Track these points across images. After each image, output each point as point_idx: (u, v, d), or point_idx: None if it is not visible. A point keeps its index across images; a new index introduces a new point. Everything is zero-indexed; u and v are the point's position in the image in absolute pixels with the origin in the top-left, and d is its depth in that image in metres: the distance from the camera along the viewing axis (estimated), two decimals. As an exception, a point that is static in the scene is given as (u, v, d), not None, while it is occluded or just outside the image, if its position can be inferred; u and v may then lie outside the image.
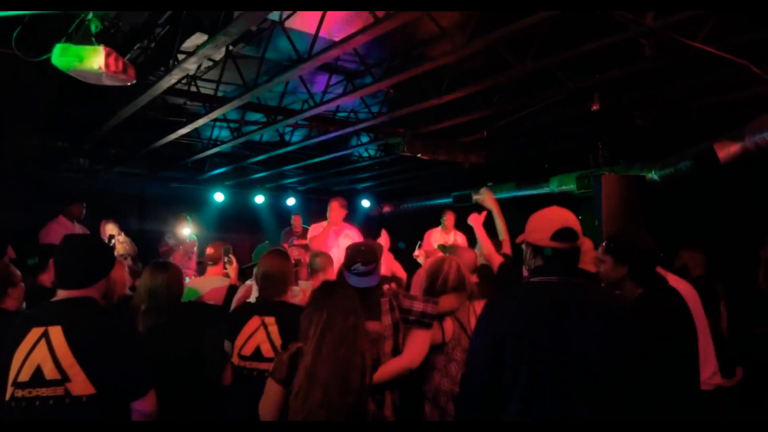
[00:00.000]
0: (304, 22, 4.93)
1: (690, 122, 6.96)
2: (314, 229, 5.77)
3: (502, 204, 4.19)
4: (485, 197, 4.10)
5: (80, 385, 1.93)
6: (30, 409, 1.91)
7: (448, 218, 7.24)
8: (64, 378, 1.93)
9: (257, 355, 2.66)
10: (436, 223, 7.46)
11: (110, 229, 6.90)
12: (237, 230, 10.94)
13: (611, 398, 1.79)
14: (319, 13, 4.65)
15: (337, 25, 4.89)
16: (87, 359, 1.95)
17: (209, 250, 4.78)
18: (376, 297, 2.87)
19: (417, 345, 2.82)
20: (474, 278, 3.78)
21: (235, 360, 2.72)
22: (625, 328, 1.87)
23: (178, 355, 2.73)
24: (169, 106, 7.35)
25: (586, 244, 4.14)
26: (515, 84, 5.80)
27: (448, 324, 3.00)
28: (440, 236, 7.21)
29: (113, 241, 7.03)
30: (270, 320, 2.71)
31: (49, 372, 1.92)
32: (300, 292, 3.64)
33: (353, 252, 2.92)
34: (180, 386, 2.63)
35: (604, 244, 2.64)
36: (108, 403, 1.97)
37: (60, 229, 6.26)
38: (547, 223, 1.98)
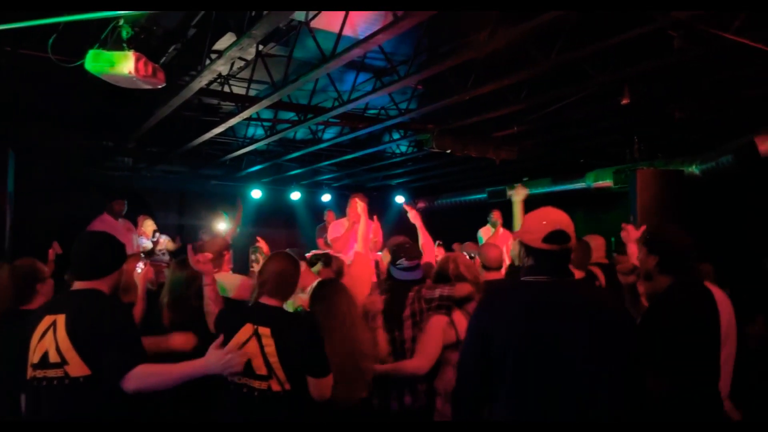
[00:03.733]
0: (329, 22, 5.00)
1: (731, 115, 6.71)
2: (335, 228, 5.82)
3: (538, 199, 4.41)
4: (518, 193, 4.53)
5: (77, 367, 2.14)
6: (41, 387, 2.16)
7: (497, 217, 7.18)
8: (63, 361, 2.14)
9: (248, 370, 2.33)
10: (471, 219, 7.45)
11: (149, 225, 7.18)
12: (274, 226, 11.18)
13: (597, 398, 1.78)
14: (343, 12, 4.71)
15: (362, 24, 4.95)
16: (81, 344, 2.15)
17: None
18: (407, 291, 3.15)
19: (426, 352, 2.98)
20: (502, 274, 3.88)
21: None
22: (615, 328, 1.86)
23: (198, 350, 2.82)
24: (204, 106, 7.58)
25: (597, 240, 4.13)
26: (545, 78, 5.73)
27: (462, 323, 3.03)
28: (487, 234, 7.20)
29: (157, 236, 7.33)
30: (265, 331, 2.37)
31: (53, 356, 2.16)
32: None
33: (398, 249, 3.24)
34: (199, 381, 2.70)
35: (643, 235, 2.78)
36: (102, 381, 2.14)
37: (103, 225, 6.52)
38: (539, 224, 1.99)
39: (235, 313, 2.58)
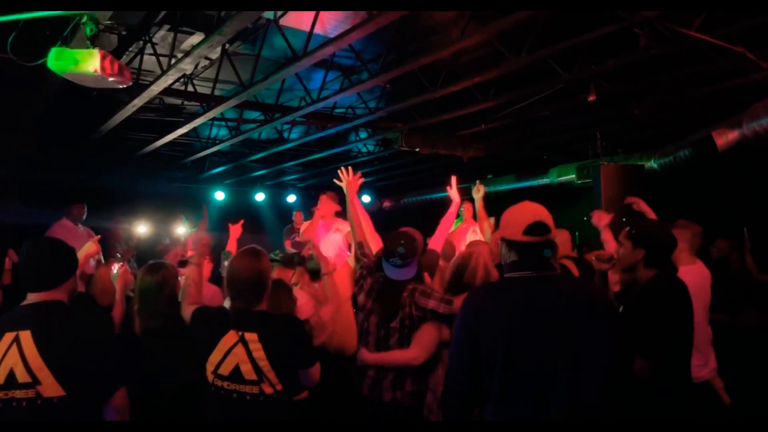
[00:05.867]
0: (298, 19, 4.93)
1: (688, 111, 6.96)
2: (306, 225, 5.82)
3: (503, 196, 4.47)
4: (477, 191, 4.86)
5: (50, 387, 1.98)
6: (7, 410, 1.98)
7: (466, 209, 7.19)
8: (35, 381, 1.98)
9: (236, 376, 2.32)
10: (438, 216, 7.44)
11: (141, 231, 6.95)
12: (239, 228, 10.94)
13: (587, 391, 1.79)
14: (313, 11, 4.65)
15: (332, 22, 4.90)
16: (54, 362, 1.99)
17: None
18: (401, 291, 2.96)
19: (423, 343, 2.93)
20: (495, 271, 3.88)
21: (210, 377, 2.38)
22: (602, 320, 1.87)
23: (171, 356, 2.72)
24: (166, 107, 7.37)
25: (563, 235, 4.22)
26: (512, 76, 5.80)
27: None
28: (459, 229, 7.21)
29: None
30: (252, 337, 2.34)
31: (21, 375, 1.98)
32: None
33: (394, 243, 2.94)
34: (171, 387, 2.61)
35: (625, 229, 2.88)
36: (79, 403, 2.02)
37: (63, 231, 6.26)
38: (518, 217, 1.98)
39: (216, 318, 2.50)
